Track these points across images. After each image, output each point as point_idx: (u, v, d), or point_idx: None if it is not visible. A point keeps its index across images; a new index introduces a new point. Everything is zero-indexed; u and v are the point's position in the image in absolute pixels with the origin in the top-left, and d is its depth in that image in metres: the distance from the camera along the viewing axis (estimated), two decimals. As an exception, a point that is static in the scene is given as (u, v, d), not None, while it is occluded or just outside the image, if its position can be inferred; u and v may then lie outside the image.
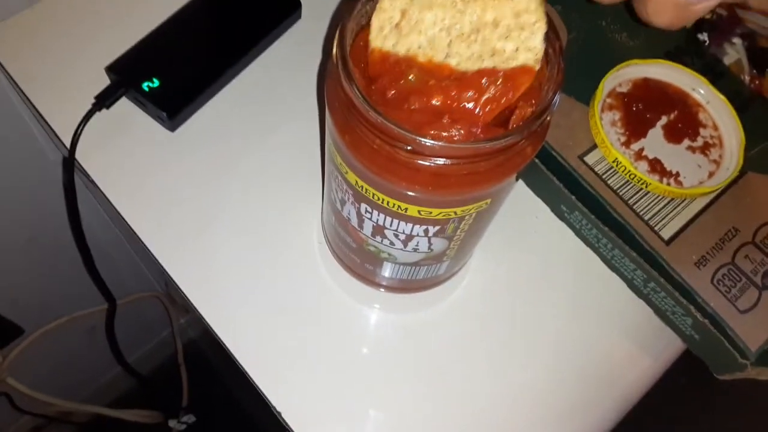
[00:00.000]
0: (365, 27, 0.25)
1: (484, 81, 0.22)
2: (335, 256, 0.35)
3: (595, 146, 0.35)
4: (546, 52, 0.23)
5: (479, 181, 0.23)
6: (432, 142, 0.21)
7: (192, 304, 0.34)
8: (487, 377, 0.34)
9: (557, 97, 0.23)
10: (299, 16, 0.42)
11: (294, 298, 0.35)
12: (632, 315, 0.36)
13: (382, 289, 0.35)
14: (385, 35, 0.23)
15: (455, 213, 0.25)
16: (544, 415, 0.34)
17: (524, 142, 0.23)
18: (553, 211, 0.38)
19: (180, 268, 0.35)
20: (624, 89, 0.37)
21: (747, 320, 0.32)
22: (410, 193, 0.23)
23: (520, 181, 0.39)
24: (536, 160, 0.36)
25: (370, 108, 0.21)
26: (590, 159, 0.35)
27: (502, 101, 0.22)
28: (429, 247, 0.28)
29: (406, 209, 0.24)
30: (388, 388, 0.33)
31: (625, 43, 0.39)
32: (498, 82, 0.22)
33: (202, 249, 0.35)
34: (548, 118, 0.23)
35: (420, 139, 0.21)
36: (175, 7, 0.40)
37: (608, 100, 0.37)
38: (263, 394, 0.32)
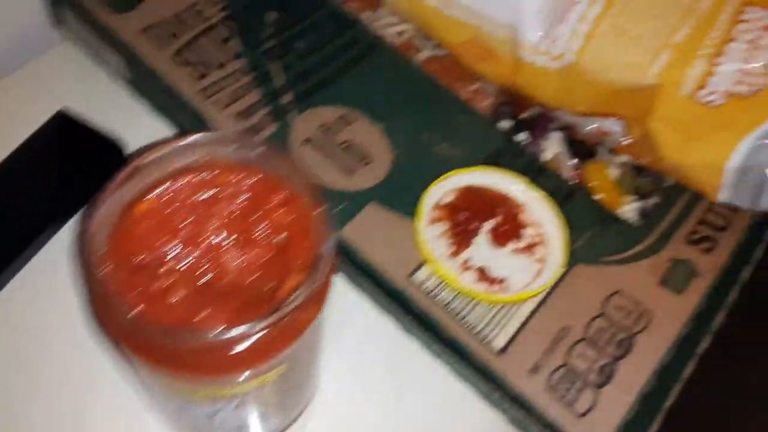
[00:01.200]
0: (131, 205, 0.24)
1: None
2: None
3: (423, 263, 0.36)
4: (310, 221, 0.23)
5: (258, 358, 0.22)
6: (195, 335, 0.20)
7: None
8: None
9: (325, 263, 0.22)
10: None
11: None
12: (490, 425, 0.36)
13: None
14: None
15: (249, 387, 0.24)
16: None
17: (302, 306, 0.22)
18: (399, 325, 0.38)
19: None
20: (448, 200, 0.38)
21: (587, 423, 0.32)
22: (191, 380, 0.22)
23: (366, 300, 0.38)
24: (367, 283, 0.36)
25: (122, 312, 0.20)
26: (419, 276, 0.35)
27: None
28: (242, 416, 0.26)
29: (196, 392, 0.23)
30: None
31: (448, 152, 0.41)
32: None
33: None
34: (319, 283, 0.23)
35: (181, 335, 0.20)
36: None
37: (433, 213, 0.38)
38: None
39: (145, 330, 0.20)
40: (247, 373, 0.22)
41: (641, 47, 0.33)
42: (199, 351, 0.21)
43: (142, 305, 0.21)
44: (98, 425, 0.33)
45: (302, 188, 0.24)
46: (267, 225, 0.24)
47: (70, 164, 0.39)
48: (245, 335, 0.20)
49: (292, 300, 0.21)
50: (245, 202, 0.25)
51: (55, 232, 0.38)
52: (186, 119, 0.39)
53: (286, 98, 0.40)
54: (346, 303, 0.37)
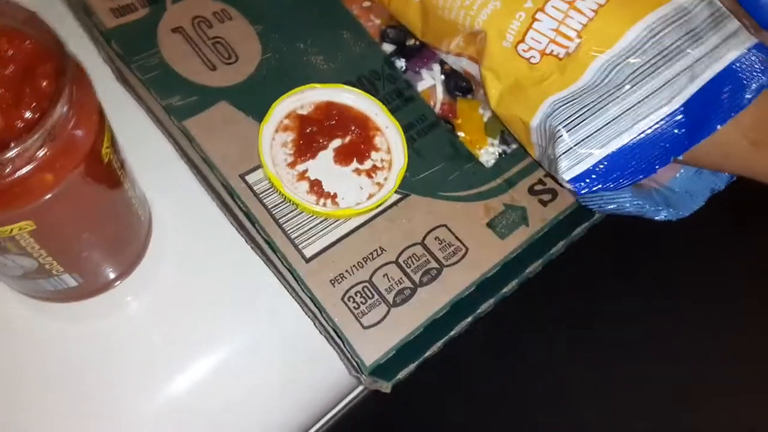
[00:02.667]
0: None
1: None
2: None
3: (259, 166, 0.37)
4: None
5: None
6: None
7: None
8: (158, 386, 0.36)
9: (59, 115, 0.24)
10: None
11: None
12: (296, 318, 0.38)
13: (43, 301, 0.36)
14: None
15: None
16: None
17: (36, 168, 0.24)
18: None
19: None
20: (305, 111, 0.39)
21: (369, 336, 0.35)
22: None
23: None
24: (200, 177, 0.37)
25: None
26: (252, 177, 0.37)
27: None
28: (14, 264, 0.29)
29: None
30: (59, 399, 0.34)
31: (320, 65, 0.41)
32: None
33: None
34: (43, 144, 0.24)
35: None
36: None
37: (286, 121, 0.39)
38: None
39: None
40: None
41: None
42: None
43: None
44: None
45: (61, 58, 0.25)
46: (33, 92, 0.25)
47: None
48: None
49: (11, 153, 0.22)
50: (11, 68, 0.26)
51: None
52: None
53: (166, -16, 0.40)
54: (189, 188, 0.40)
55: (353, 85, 0.40)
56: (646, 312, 0.40)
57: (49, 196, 0.25)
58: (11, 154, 0.22)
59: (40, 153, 0.23)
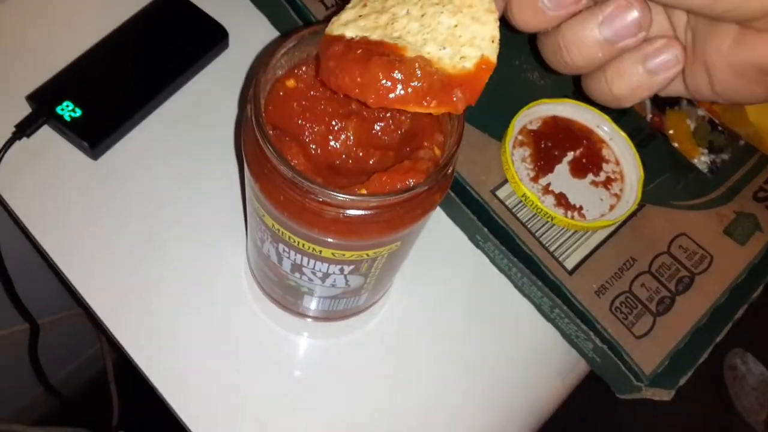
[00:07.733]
0: (282, 78, 0.26)
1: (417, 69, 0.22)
2: (261, 289, 0.36)
3: (506, 181, 0.38)
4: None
5: (388, 228, 0.24)
6: (341, 195, 0.22)
7: (116, 338, 0.34)
8: (402, 398, 0.36)
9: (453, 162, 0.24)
10: (227, 45, 0.43)
11: (223, 330, 0.35)
12: (542, 338, 0.38)
13: (307, 319, 0.36)
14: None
15: (367, 255, 0.26)
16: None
17: (431, 190, 0.24)
18: (470, 239, 0.40)
19: (103, 300, 0.35)
20: (534, 126, 0.40)
21: (642, 345, 0.35)
22: (322, 239, 0.24)
23: (441, 212, 0.40)
24: (452, 194, 0.38)
25: (282, 164, 0.22)
26: (502, 193, 0.37)
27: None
28: (346, 283, 0.29)
29: (321, 251, 0.26)
30: (311, 411, 0.34)
31: (537, 81, 0.42)
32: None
33: (125, 281, 0.35)
34: (451, 169, 0.25)
35: (329, 192, 0.22)
36: (99, 35, 0.40)
37: (519, 137, 0.39)
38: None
39: (303, 184, 0.22)
40: (376, 240, 0.25)
41: None
42: (344, 216, 0.23)
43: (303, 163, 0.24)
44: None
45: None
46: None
47: (180, 36, 0.41)
48: (396, 199, 0.22)
49: (427, 180, 0.23)
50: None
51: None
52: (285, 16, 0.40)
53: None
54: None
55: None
56: None
57: (427, 215, 0.25)
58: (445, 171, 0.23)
59: (440, 176, 0.24)
